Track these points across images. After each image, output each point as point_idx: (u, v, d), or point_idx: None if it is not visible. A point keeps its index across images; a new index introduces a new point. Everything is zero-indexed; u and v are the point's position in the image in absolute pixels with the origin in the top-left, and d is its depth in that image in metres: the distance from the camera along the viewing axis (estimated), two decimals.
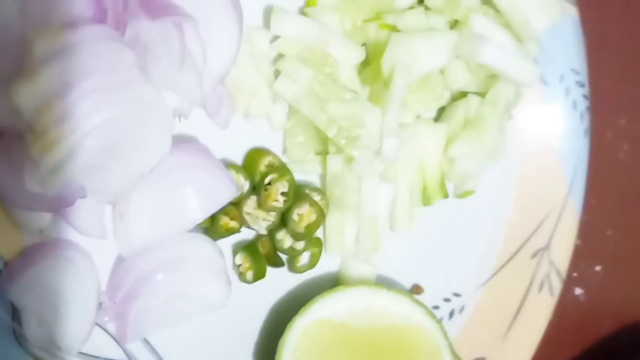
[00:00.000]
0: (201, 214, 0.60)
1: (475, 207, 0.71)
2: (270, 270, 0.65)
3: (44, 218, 0.57)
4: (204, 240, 0.62)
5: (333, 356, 0.64)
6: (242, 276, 0.64)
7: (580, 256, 0.77)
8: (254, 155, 0.64)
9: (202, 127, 0.62)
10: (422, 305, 0.65)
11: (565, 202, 0.72)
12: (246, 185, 0.63)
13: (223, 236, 0.63)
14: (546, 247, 0.72)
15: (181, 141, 0.60)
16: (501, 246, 0.72)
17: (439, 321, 0.66)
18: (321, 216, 0.64)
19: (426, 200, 0.68)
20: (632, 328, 0.81)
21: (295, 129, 0.65)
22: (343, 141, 0.63)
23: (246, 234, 0.65)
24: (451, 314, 0.71)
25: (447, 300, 0.71)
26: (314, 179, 0.67)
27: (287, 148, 0.65)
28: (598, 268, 0.81)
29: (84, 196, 0.54)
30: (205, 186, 0.59)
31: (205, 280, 0.61)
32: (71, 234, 0.59)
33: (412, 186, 0.67)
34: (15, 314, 0.58)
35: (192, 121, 0.61)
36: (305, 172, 0.66)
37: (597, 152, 0.74)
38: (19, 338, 0.59)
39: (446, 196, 0.68)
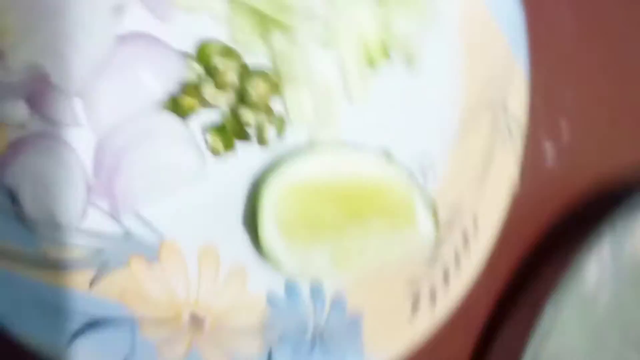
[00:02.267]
0: (160, 89, 0.66)
1: (427, 74, 0.74)
2: (242, 147, 0.70)
3: (22, 111, 0.64)
4: (169, 115, 0.67)
5: (314, 209, 0.69)
6: (214, 150, 0.70)
7: (542, 112, 0.80)
8: (203, 46, 0.70)
9: (147, 25, 0.67)
10: (393, 162, 0.71)
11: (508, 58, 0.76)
12: (200, 70, 0.69)
13: (187, 114, 0.68)
14: (502, 100, 0.76)
15: (130, 34, 0.67)
16: (461, 104, 0.76)
17: (412, 175, 0.71)
18: (275, 86, 0.70)
19: (370, 61, 0.73)
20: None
21: (236, 16, 0.70)
22: (280, 15, 0.69)
23: (211, 117, 0.70)
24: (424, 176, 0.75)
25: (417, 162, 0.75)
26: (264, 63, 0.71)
27: (233, 35, 0.70)
28: (563, 123, 0.83)
29: (51, 83, 0.62)
30: (160, 64, 0.66)
31: (177, 150, 0.67)
32: (50, 127, 0.65)
33: (356, 51, 0.72)
34: (14, 200, 0.65)
35: (137, 20, 0.67)
36: (254, 54, 0.71)
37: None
38: (21, 218, 0.65)
39: (387, 57, 0.73)
